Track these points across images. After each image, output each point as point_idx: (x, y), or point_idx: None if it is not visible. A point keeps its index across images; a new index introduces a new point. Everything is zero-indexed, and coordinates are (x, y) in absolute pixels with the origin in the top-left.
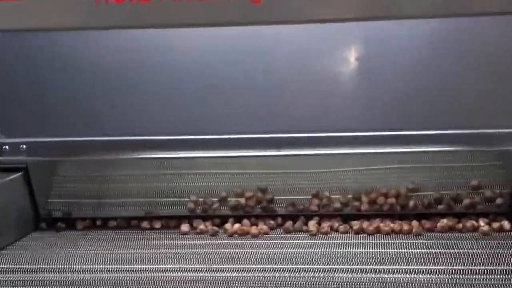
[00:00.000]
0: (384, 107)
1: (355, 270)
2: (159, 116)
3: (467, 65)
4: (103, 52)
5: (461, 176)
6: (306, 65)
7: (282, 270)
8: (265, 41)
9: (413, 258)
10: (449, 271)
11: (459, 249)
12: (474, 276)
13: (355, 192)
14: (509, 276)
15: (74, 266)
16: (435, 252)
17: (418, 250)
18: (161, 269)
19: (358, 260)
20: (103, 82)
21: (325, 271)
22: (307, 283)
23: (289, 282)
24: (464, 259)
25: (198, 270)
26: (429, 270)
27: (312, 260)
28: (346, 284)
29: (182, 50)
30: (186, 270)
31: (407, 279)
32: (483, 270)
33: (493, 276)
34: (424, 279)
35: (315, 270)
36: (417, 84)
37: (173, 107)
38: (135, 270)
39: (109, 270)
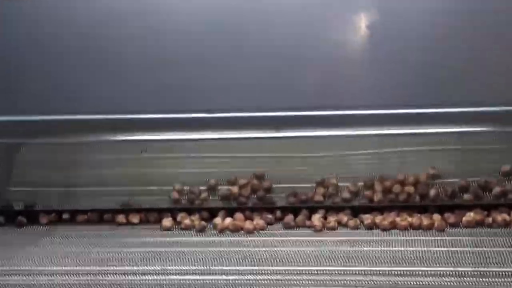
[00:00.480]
0: (398, 81)
1: (367, 272)
2: (137, 92)
3: (490, 39)
4: (71, 26)
5: (490, 160)
6: (310, 34)
7: (281, 272)
8: (261, 4)
9: (435, 258)
10: (476, 273)
11: (488, 247)
12: (505, 280)
13: (366, 180)
14: None
15: (37, 268)
16: (460, 251)
17: (440, 249)
18: (139, 272)
19: (370, 261)
20: (72, 56)
21: (331, 273)
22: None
23: (289, 287)
24: (494, 259)
25: (183, 273)
26: (453, 272)
27: (316, 260)
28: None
29: (162, 17)
30: (169, 272)
31: (427, 283)
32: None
33: None
34: (447, 283)
35: (319, 272)
36: (435, 57)
37: (153, 81)
38: (109, 273)
39: (78, 273)
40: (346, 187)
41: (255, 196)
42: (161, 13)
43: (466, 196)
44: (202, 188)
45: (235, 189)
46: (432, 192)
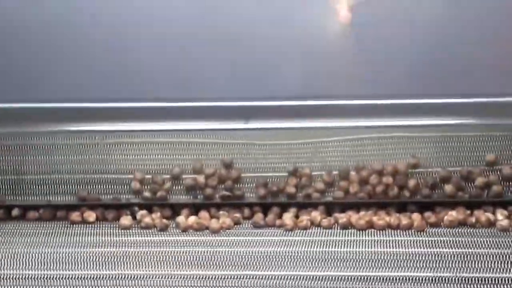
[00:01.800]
0: (378, 71)
1: (338, 278)
2: (95, 79)
3: (483, 31)
4: (29, 11)
5: (473, 149)
6: (287, 18)
7: (248, 276)
8: None
9: (414, 260)
10: (457, 279)
11: (470, 249)
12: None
13: (342, 169)
14: None
15: None
16: (440, 252)
17: (419, 250)
18: (95, 276)
19: (342, 264)
20: (31, 43)
21: (302, 277)
22: None
23: None
24: (477, 261)
25: (142, 277)
26: (433, 278)
27: (286, 262)
28: None
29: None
30: (127, 276)
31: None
32: (499, 279)
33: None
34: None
35: (289, 276)
36: (419, 47)
37: (113, 66)
38: (63, 277)
39: (29, 276)
40: (320, 177)
41: (223, 186)
42: None
43: (448, 187)
44: (165, 176)
45: (201, 178)
46: (412, 182)
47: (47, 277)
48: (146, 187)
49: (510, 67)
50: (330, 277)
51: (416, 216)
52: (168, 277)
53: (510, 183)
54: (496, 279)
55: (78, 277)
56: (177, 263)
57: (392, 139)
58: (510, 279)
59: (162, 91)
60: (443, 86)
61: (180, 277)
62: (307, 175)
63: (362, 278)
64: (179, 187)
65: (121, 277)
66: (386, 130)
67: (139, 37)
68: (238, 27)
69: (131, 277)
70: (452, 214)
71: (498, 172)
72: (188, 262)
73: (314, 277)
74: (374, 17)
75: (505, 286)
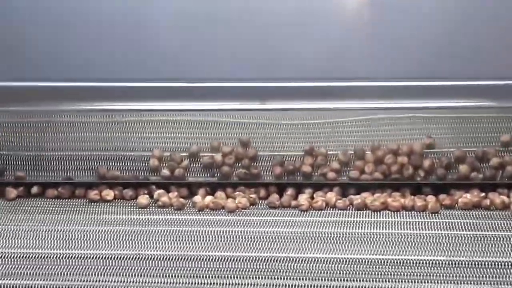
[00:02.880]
0: (395, 53)
1: (352, 260)
2: (112, 57)
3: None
4: None
5: (489, 129)
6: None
7: (260, 257)
8: None
9: (427, 243)
10: (471, 262)
11: (485, 231)
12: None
13: (357, 149)
14: None
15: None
16: (455, 235)
17: (434, 232)
18: (112, 255)
19: (357, 245)
20: (46, 20)
21: (314, 260)
22: (291, 272)
23: (269, 271)
24: (491, 244)
25: (158, 258)
26: (447, 261)
27: (300, 243)
28: (341, 273)
29: None
30: (142, 257)
31: (418, 273)
32: None
33: None
34: (439, 273)
35: (302, 258)
36: (434, 29)
37: (134, 48)
38: (79, 256)
39: (41, 256)
40: (335, 156)
41: (240, 164)
42: None
43: (462, 168)
44: (183, 154)
45: (218, 157)
46: (427, 162)
47: (63, 256)
48: (164, 164)
49: None
50: (344, 260)
51: (430, 198)
52: (181, 257)
53: None
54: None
55: (93, 256)
56: (193, 242)
57: (409, 119)
58: None
59: (182, 72)
60: (460, 68)
61: (193, 258)
62: (323, 155)
63: (376, 260)
64: (197, 165)
65: (137, 258)
66: (402, 112)
67: (158, 17)
68: (256, 5)
69: (147, 258)
70: (467, 196)
71: None
72: (202, 241)
73: (327, 260)
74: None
75: None
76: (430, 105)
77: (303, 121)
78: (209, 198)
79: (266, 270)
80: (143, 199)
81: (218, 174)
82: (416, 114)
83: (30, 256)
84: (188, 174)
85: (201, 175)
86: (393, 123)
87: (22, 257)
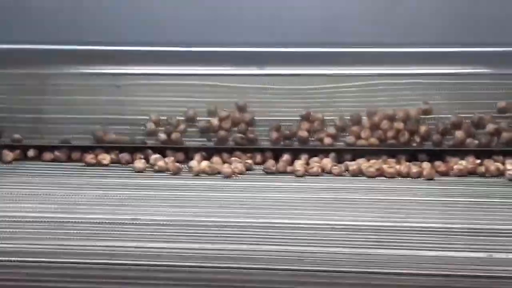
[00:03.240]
0: (390, 18)
1: (347, 228)
2: (112, 23)
3: None
4: None
5: (485, 96)
6: None
7: (255, 224)
8: None
9: (422, 210)
10: (465, 230)
11: (479, 198)
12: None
13: (353, 115)
14: None
15: None
16: (449, 201)
17: (428, 199)
18: (108, 220)
19: (352, 212)
20: None
21: (308, 226)
22: (285, 237)
23: (264, 237)
24: (486, 213)
25: (154, 223)
26: (442, 229)
27: (294, 208)
28: (335, 240)
29: None
30: (138, 222)
31: (412, 240)
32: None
33: None
34: (435, 232)
35: (297, 224)
36: None
37: (130, 11)
38: (76, 221)
39: (38, 221)
40: (332, 121)
41: (237, 128)
42: None
43: (458, 133)
44: (180, 118)
45: (215, 121)
46: (423, 128)
47: (60, 220)
48: (161, 127)
49: None
50: (338, 226)
51: (425, 165)
52: (179, 224)
53: None
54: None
55: (91, 221)
56: (189, 207)
57: (406, 85)
58: None
59: (178, 36)
60: (456, 35)
61: (190, 224)
62: (319, 120)
63: (368, 227)
64: (194, 129)
65: (134, 223)
66: (399, 78)
67: None
68: None
69: (143, 223)
70: (462, 163)
71: (509, 120)
72: (199, 207)
73: (321, 226)
74: None
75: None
76: (427, 71)
77: (300, 86)
78: (205, 163)
79: (261, 235)
80: (140, 163)
81: (215, 139)
82: (413, 80)
83: (26, 219)
84: (185, 138)
85: (197, 139)
86: (390, 89)
87: (18, 221)
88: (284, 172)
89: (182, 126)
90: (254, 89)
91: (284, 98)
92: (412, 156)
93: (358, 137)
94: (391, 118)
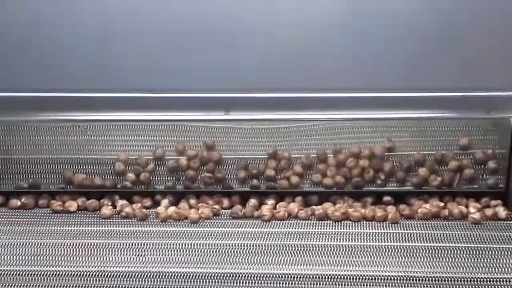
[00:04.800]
0: (354, 64)
1: (309, 277)
2: (79, 70)
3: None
4: None
5: (448, 133)
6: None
7: (221, 274)
8: None
9: (386, 257)
10: (429, 279)
11: (443, 243)
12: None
13: (320, 153)
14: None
15: None
16: (413, 246)
17: (393, 244)
18: (72, 272)
19: (316, 260)
20: (15, 31)
21: (273, 276)
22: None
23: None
24: (449, 259)
25: (120, 275)
26: (404, 278)
27: (261, 256)
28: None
29: None
30: (104, 274)
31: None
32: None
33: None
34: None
35: (261, 274)
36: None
37: (95, 58)
38: (38, 273)
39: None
40: (299, 159)
41: (205, 167)
42: None
43: (422, 170)
44: (149, 157)
45: (183, 160)
46: (387, 165)
47: (21, 272)
48: (130, 167)
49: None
50: (299, 276)
51: (390, 209)
52: (145, 276)
53: (482, 166)
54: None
55: (54, 274)
56: (155, 257)
57: (368, 122)
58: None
59: (148, 82)
60: (417, 81)
61: (153, 275)
62: (286, 158)
63: (331, 277)
64: (162, 168)
65: (99, 275)
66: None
67: (125, 31)
68: (220, 20)
69: (109, 275)
70: (426, 207)
71: (471, 156)
72: (162, 256)
73: (287, 275)
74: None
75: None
76: (391, 115)
77: (266, 126)
78: (172, 209)
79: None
80: (107, 209)
81: (183, 178)
82: (377, 117)
83: None
84: (154, 178)
85: (166, 178)
86: (354, 129)
87: None
88: (251, 217)
89: (151, 166)
90: (222, 129)
91: (253, 137)
92: (377, 197)
93: (325, 175)
94: (357, 156)
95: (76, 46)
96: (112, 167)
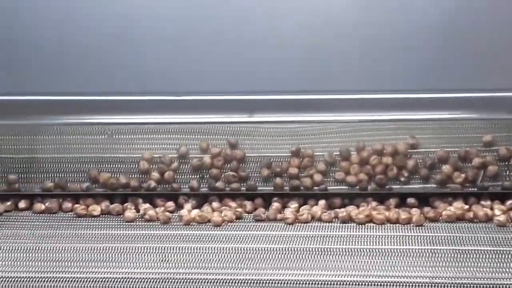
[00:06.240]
0: (378, 66)
1: (332, 283)
2: (106, 74)
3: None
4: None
5: (471, 130)
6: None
7: (245, 280)
8: None
9: (412, 258)
10: (453, 285)
11: (468, 246)
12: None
13: (343, 150)
14: None
15: None
16: (438, 249)
17: (418, 247)
18: (94, 278)
19: (338, 264)
20: (34, 34)
21: (297, 281)
22: None
23: None
24: (473, 259)
25: (145, 280)
26: (430, 279)
27: (283, 262)
28: None
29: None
30: (126, 278)
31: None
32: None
33: None
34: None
35: (284, 278)
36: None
37: (121, 63)
38: (61, 279)
39: (22, 279)
40: (322, 157)
41: (228, 166)
42: None
43: (445, 167)
44: (173, 155)
45: (207, 158)
46: (411, 163)
47: (45, 278)
48: (154, 166)
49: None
50: (321, 282)
51: (414, 211)
52: (164, 278)
53: (506, 163)
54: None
55: (77, 279)
56: (179, 262)
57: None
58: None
59: (172, 85)
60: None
61: (176, 278)
62: (310, 156)
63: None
64: (186, 166)
65: (124, 280)
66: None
67: (150, 36)
68: (239, 22)
69: (134, 280)
70: (451, 209)
71: (495, 153)
72: (187, 260)
73: (310, 282)
74: (373, 15)
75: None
76: (413, 117)
77: (290, 125)
78: (195, 212)
79: None
80: (130, 213)
81: (207, 176)
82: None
83: (12, 279)
84: (178, 177)
85: (190, 177)
86: (377, 129)
87: (7, 281)
88: (274, 220)
89: (175, 164)
90: (246, 125)
91: (277, 135)
92: (401, 200)
93: (348, 173)
94: (380, 153)
95: (101, 50)
96: (136, 166)
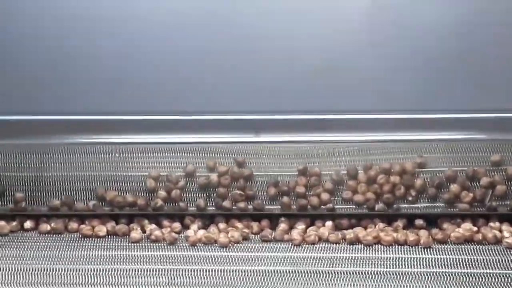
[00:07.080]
0: (386, 86)
1: None
2: (112, 93)
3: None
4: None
5: (480, 150)
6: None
7: None
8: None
9: (420, 281)
10: None
11: (477, 269)
12: None
13: (350, 168)
14: None
15: None
16: (447, 272)
17: (426, 270)
18: None
19: (350, 285)
20: (43, 54)
21: None
22: None
23: None
24: (483, 283)
25: None
26: None
27: (291, 284)
28: None
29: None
30: None
31: None
32: None
33: None
34: None
35: None
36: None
37: (130, 82)
38: None
39: None
40: (329, 175)
41: (235, 184)
42: (140, 8)
43: (453, 186)
44: (180, 174)
45: (214, 177)
46: (419, 182)
47: None
48: (161, 184)
49: None
50: None
51: (423, 233)
52: None
53: None
54: None
55: None
56: (184, 285)
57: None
58: None
59: (179, 105)
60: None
61: None
62: (317, 175)
63: None
64: (193, 185)
65: None
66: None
67: (153, 56)
68: (247, 42)
69: None
70: (459, 231)
71: (503, 172)
72: (193, 282)
73: None
74: (380, 34)
75: None
76: (422, 137)
77: (297, 144)
78: (201, 233)
79: None
80: (136, 233)
81: (214, 195)
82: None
83: None
84: (185, 195)
85: (197, 195)
86: (385, 148)
87: None
88: (281, 241)
89: (181, 183)
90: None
91: (283, 154)
92: (409, 221)
93: (355, 191)
94: (387, 172)
95: (108, 70)
96: (143, 185)
